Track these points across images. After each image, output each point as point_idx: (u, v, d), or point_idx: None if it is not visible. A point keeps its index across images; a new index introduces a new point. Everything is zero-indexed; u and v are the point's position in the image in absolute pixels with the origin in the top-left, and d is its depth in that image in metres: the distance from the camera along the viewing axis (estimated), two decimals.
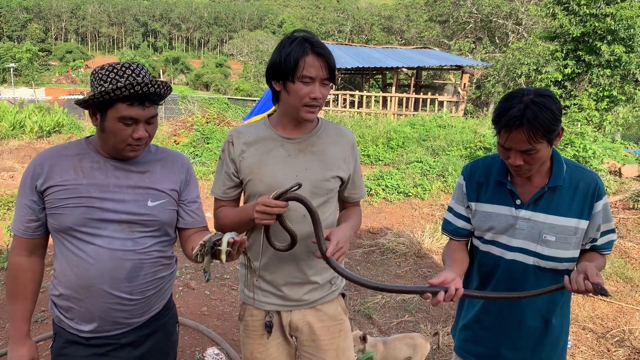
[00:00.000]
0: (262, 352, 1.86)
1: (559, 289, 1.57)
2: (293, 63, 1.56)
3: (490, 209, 1.74)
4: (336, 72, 1.64)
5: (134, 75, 1.46)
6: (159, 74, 76.06)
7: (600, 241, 1.72)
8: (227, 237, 1.35)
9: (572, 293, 1.64)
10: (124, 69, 1.46)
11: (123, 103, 1.44)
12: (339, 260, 1.57)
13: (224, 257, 1.34)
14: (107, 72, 1.46)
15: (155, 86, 1.45)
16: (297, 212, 1.68)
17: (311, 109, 1.62)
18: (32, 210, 1.56)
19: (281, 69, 1.59)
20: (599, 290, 1.43)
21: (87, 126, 14.31)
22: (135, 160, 1.61)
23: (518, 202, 1.69)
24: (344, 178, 1.77)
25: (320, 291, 1.82)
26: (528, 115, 1.47)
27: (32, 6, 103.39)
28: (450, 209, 1.89)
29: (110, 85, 1.44)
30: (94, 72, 1.48)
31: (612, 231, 1.73)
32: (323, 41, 1.64)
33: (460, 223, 1.84)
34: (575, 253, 1.69)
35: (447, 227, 1.89)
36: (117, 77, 1.44)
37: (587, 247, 1.72)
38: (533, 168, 1.60)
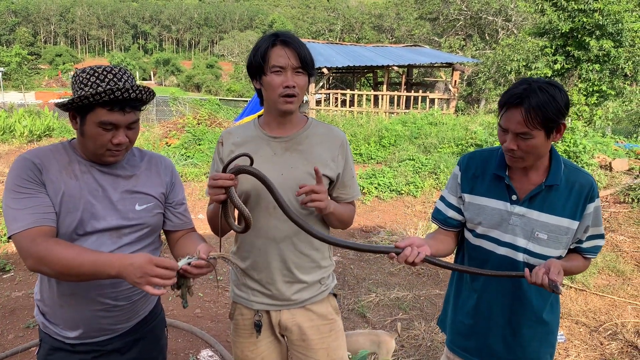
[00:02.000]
0: (252, 351, 1.85)
1: (519, 277, 1.61)
2: (262, 56, 1.62)
3: (485, 202, 1.74)
4: (310, 60, 1.64)
5: (115, 79, 1.43)
6: (150, 76, 75.61)
7: (586, 244, 1.72)
8: (182, 264, 1.36)
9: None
10: (105, 73, 1.42)
11: (103, 108, 1.40)
12: (313, 204, 1.58)
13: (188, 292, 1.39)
14: (88, 76, 1.42)
15: (137, 92, 1.42)
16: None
17: (288, 98, 1.63)
18: (49, 199, 1.43)
19: (254, 66, 1.65)
20: (552, 287, 1.47)
21: None
22: (120, 164, 1.59)
23: (514, 197, 1.69)
24: (332, 177, 1.76)
25: (310, 291, 1.81)
26: (529, 97, 1.48)
27: (21, 9, 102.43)
28: (442, 198, 1.89)
29: (90, 90, 1.40)
30: (75, 75, 1.45)
31: (601, 237, 1.73)
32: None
33: (451, 213, 1.84)
34: (564, 253, 1.70)
35: (437, 216, 1.90)
36: (97, 82, 1.41)
37: (572, 247, 1.73)
38: (527, 158, 1.59)
